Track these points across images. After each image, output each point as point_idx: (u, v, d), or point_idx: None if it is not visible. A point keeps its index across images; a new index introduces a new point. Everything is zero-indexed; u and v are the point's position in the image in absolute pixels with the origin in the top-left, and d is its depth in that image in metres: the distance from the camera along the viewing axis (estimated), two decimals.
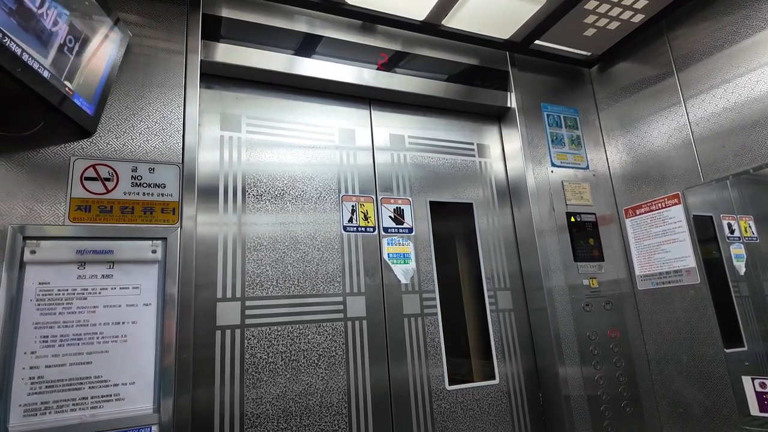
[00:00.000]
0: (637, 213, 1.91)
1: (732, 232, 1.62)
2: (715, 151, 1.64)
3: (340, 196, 1.67)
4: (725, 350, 1.59)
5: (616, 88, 2.05)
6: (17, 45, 0.95)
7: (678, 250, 1.75)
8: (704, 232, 1.69)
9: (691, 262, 1.71)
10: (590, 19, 1.77)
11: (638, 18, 1.79)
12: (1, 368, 1.05)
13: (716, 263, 1.64)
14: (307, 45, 1.68)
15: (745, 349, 1.55)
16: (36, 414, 1.06)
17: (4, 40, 0.92)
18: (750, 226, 1.60)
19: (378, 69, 1.76)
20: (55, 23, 1.07)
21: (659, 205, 1.82)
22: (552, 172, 1.94)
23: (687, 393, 1.70)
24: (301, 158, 1.65)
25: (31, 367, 1.08)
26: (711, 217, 1.67)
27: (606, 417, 1.71)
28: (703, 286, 1.67)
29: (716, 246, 1.64)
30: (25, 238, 1.13)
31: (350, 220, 1.65)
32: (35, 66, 1.01)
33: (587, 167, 2.03)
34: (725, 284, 1.61)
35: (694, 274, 1.69)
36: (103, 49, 1.25)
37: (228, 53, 1.54)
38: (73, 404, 1.10)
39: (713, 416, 1.62)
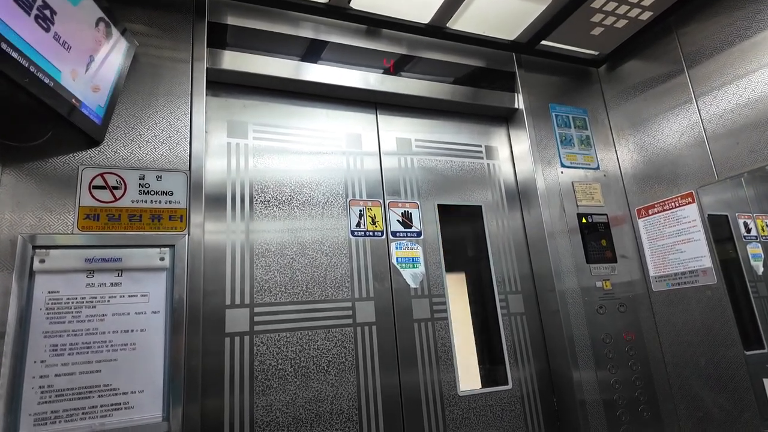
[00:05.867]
0: (650, 213, 1.88)
1: (748, 230, 1.58)
2: (729, 149, 1.61)
3: (348, 200, 1.66)
4: (745, 352, 1.55)
5: (625, 87, 2.03)
6: (25, 57, 0.96)
7: (693, 250, 1.71)
8: (720, 231, 1.65)
9: (707, 262, 1.67)
10: (597, 17, 1.75)
11: (646, 15, 1.76)
12: (11, 377, 1.05)
13: (733, 263, 1.60)
14: (312, 51, 1.68)
15: (766, 351, 1.51)
16: (46, 423, 1.06)
17: (12, 53, 0.93)
18: (767, 225, 1.56)
19: (384, 73, 1.76)
20: (63, 34, 1.08)
21: (672, 204, 1.79)
22: (562, 173, 1.91)
23: (706, 397, 1.66)
24: (308, 164, 1.65)
25: (41, 376, 1.08)
26: (726, 215, 1.64)
27: (623, 422, 1.67)
28: (720, 287, 1.63)
29: (732, 245, 1.60)
30: (34, 248, 1.14)
31: (358, 225, 1.65)
32: (43, 77, 1.02)
33: (598, 167, 2.00)
34: (743, 284, 1.57)
35: (710, 274, 1.66)
36: (111, 59, 1.26)
37: (234, 60, 1.55)
38: (83, 413, 1.10)
39: (734, 420, 1.57)
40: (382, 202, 1.71)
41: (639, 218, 1.93)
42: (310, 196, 1.61)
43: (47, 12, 1.03)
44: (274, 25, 1.63)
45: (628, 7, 1.70)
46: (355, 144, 1.75)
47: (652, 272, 1.87)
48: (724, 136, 1.63)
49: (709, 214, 1.67)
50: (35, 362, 1.08)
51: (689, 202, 1.73)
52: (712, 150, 1.66)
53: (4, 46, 0.90)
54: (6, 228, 1.14)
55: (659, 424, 1.73)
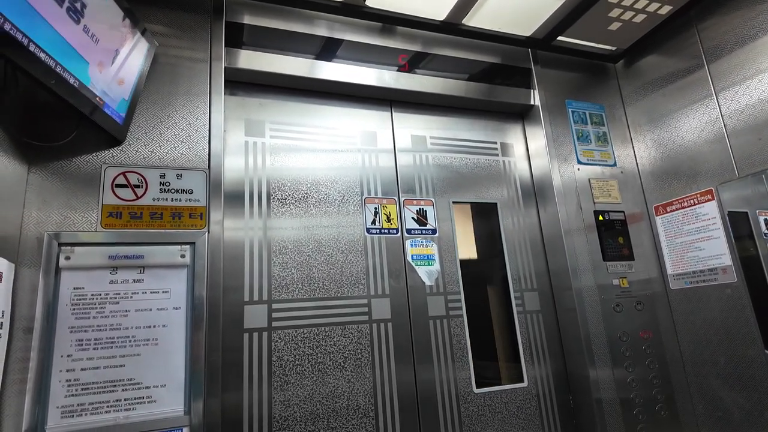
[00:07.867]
0: (668, 210, 1.86)
1: None
2: (751, 145, 1.58)
3: (363, 198, 1.67)
4: (766, 351, 1.53)
5: (642, 83, 2.00)
6: (51, 58, 0.98)
7: (712, 247, 1.69)
8: (740, 228, 1.62)
9: (726, 259, 1.64)
10: (615, 12, 1.73)
11: (665, 10, 1.74)
12: (39, 371, 1.08)
13: (754, 261, 1.57)
14: (327, 49, 1.69)
15: None
16: (73, 416, 1.09)
17: (40, 55, 0.95)
18: None
19: (399, 70, 1.76)
20: (92, 27, 1.10)
21: (691, 201, 1.76)
22: (578, 169, 1.90)
23: (726, 396, 1.64)
24: (324, 162, 1.66)
25: (67, 370, 1.11)
26: (747, 213, 1.61)
27: (640, 421, 1.66)
28: (740, 285, 1.60)
29: (753, 243, 1.57)
30: (60, 245, 1.17)
31: (373, 222, 1.65)
32: (68, 77, 1.04)
33: (615, 164, 1.98)
34: (764, 283, 1.54)
35: (730, 272, 1.63)
36: (131, 60, 1.28)
37: (251, 59, 1.57)
38: (108, 406, 1.12)
39: (754, 420, 1.55)
40: (397, 199, 1.72)
41: (657, 215, 1.91)
42: (326, 194, 1.62)
43: (78, 4, 1.06)
44: (291, 24, 1.65)
45: (647, 1, 1.68)
46: (370, 141, 1.76)
47: (670, 270, 1.84)
48: (745, 131, 1.60)
49: (729, 212, 1.65)
50: (62, 356, 1.11)
51: (709, 199, 1.70)
52: (733, 146, 1.64)
53: (32, 47, 0.93)
54: (33, 226, 1.17)
55: (677, 423, 1.71)
